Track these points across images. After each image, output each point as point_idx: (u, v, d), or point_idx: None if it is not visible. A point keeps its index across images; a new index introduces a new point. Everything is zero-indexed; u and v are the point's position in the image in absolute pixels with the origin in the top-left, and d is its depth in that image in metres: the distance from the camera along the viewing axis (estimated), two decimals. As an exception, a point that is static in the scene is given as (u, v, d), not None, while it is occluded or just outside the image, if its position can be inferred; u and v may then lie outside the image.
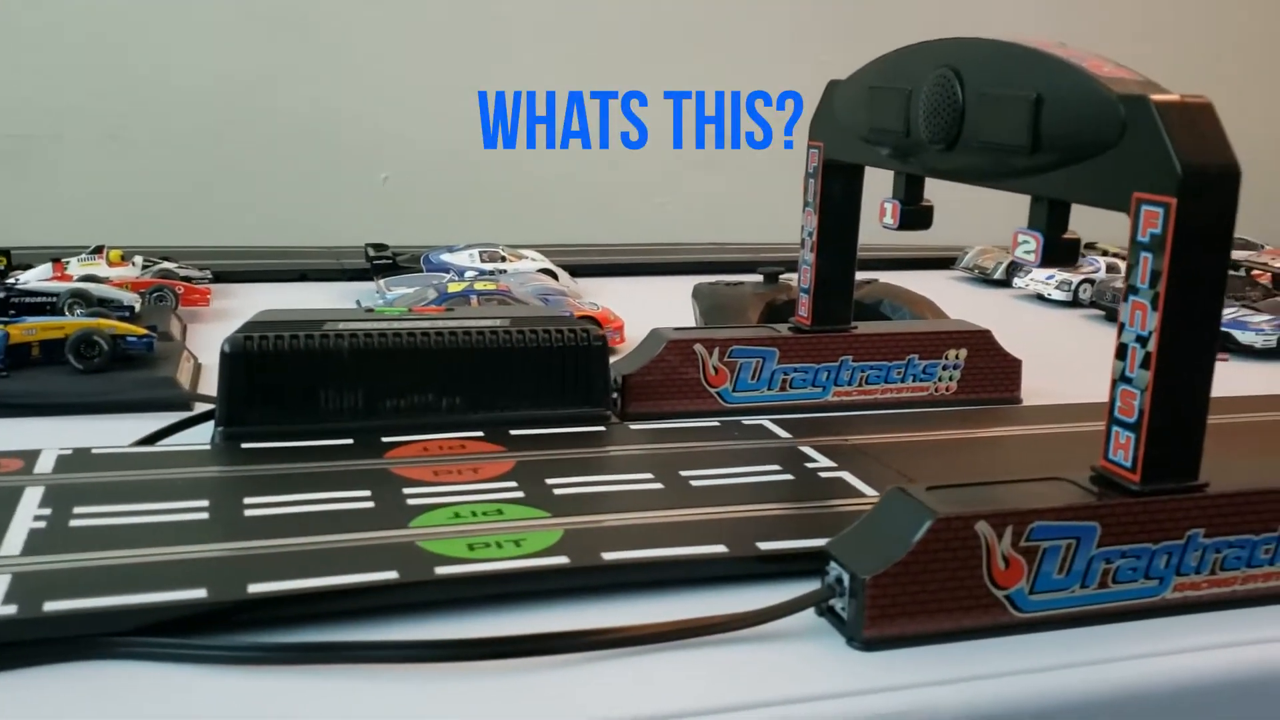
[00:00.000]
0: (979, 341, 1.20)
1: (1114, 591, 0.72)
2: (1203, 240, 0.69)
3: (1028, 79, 0.81)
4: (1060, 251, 0.81)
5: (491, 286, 1.33)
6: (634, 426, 1.03)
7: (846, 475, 0.92)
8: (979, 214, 2.42)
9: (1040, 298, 1.80)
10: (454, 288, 1.32)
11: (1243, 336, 1.47)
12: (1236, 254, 2.02)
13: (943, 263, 2.05)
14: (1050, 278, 1.79)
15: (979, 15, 2.39)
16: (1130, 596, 0.72)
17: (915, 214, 1.01)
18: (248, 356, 0.94)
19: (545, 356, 1.02)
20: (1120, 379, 0.73)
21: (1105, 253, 2.08)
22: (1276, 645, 0.73)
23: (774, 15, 2.41)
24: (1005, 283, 1.91)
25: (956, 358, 1.19)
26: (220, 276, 1.68)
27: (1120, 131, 0.72)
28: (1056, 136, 0.79)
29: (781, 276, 1.40)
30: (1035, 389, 1.26)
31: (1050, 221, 0.81)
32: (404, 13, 2.09)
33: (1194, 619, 0.74)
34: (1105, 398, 1.26)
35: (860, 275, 1.51)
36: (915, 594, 0.68)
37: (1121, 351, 0.73)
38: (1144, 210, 0.71)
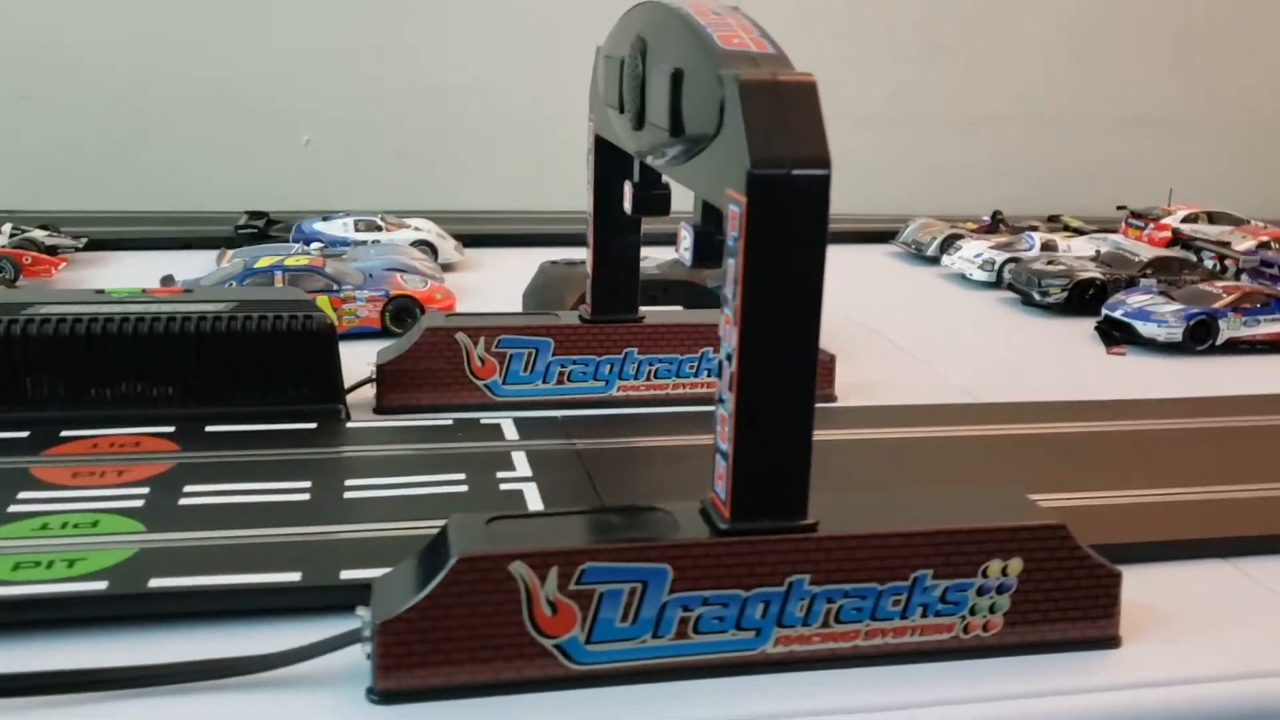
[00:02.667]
0: (785, 334, 1.10)
1: (697, 643, 0.63)
2: (782, 247, 0.59)
3: (676, 53, 0.71)
4: (715, 251, 0.71)
5: (304, 261, 1.27)
6: (350, 425, 0.96)
7: (529, 489, 0.83)
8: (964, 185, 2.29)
9: (963, 278, 1.66)
10: (263, 262, 1.26)
11: (1144, 329, 1.33)
12: (1209, 229, 1.86)
13: (888, 235, 1.92)
14: (978, 255, 1.66)
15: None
16: (720, 649, 0.63)
17: (648, 199, 0.91)
18: (-74, 343, 0.90)
19: (263, 346, 0.95)
20: (719, 401, 0.64)
21: (1068, 227, 1.93)
22: (906, 712, 0.63)
23: None
24: (939, 260, 1.78)
25: (759, 351, 1.09)
26: (102, 244, 1.66)
27: (720, 116, 0.63)
28: (688, 119, 0.69)
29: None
30: (879, 384, 1.16)
31: (703, 216, 0.71)
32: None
33: (805, 677, 0.64)
34: (963, 398, 1.17)
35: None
36: (439, 642, 0.60)
37: (720, 370, 0.64)
38: (730, 210, 0.61)
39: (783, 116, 0.59)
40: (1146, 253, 1.56)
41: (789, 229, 0.59)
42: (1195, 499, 0.88)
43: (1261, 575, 0.78)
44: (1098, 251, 1.62)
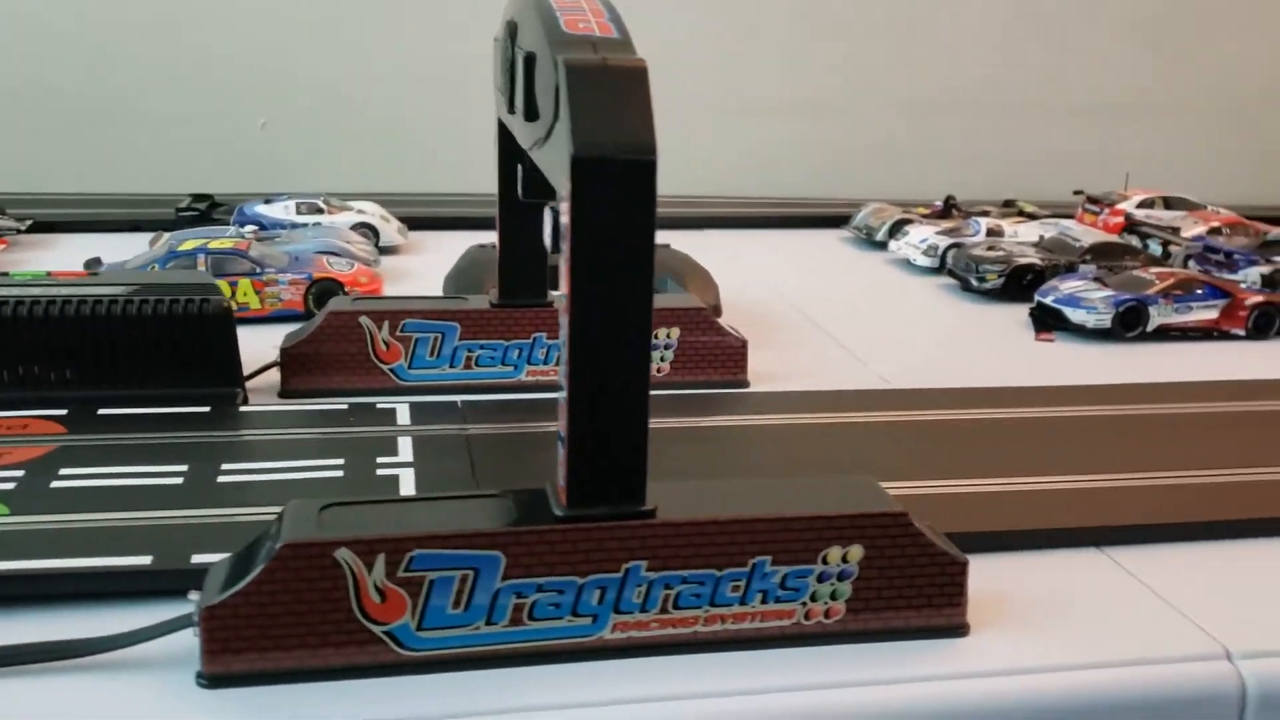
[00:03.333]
0: (694, 320, 1.10)
1: (533, 629, 0.63)
2: (608, 233, 0.59)
3: (533, 37, 0.71)
4: (573, 235, 0.71)
5: (228, 245, 1.27)
6: (243, 409, 0.96)
7: (406, 475, 0.83)
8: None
9: (909, 263, 1.66)
10: (187, 245, 1.26)
11: (1073, 315, 1.32)
12: (1163, 215, 1.85)
13: (845, 220, 1.91)
14: (923, 241, 1.65)
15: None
16: (556, 635, 0.63)
17: (535, 183, 0.90)
18: None
19: (159, 329, 0.95)
20: (561, 387, 0.64)
21: (1022, 212, 1.92)
22: (746, 698, 0.63)
23: None
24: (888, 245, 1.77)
25: (668, 337, 1.09)
26: (48, 226, 1.66)
27: (557, 102, 0.62)
28: (540, 104, 0.68)
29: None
30: (799, 369, 1.16)
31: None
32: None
33: (644, 663, 0.64)
34: (879, 384, 1.16)
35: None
36: (266, 628, 0.60)
37: (561, 356, 0.64)
38: (562, 196, 0.61)
39: (610, 102, 0.59)
40: (1089, 238, 1.55)
41: (614, 215, 0.59)
42: (1083, 486, 0.88)
43: (1134, 565, 0.78)
44: (1041, 237, 1.61)
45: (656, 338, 1.09)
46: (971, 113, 2.29)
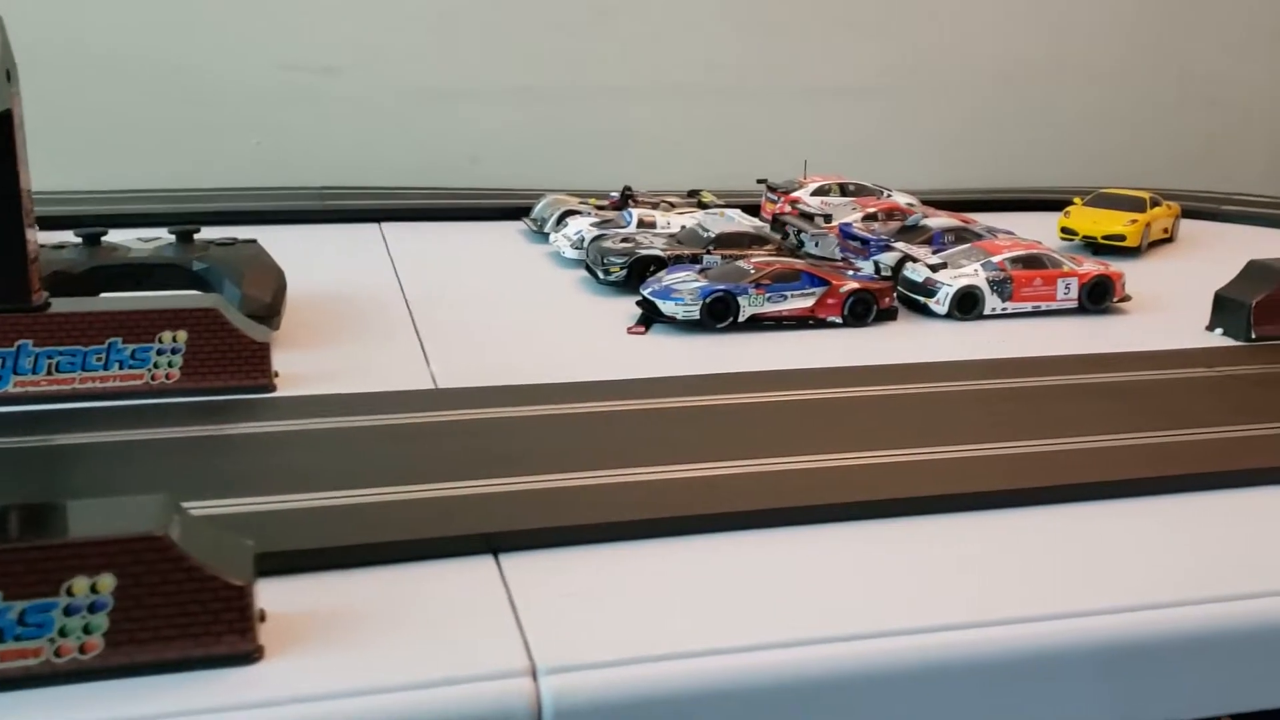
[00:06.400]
0: (204, 322, 1.04)
1: None
2: None
3: None
4: None
5: None
6: None
7: None
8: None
9: (561, 255, 1.62)
10: None
11: (664, 306, 1.29)
12: (836, 200, 1.85)
13: (521, 211, 1.87)
14: (577, 233, 1.62)
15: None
16: None
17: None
18: None
19: None
20: None
21: (703, 204, 1.90)
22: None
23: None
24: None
25: (175, 341, 1.03)
26: None
27: None
28: None
29: (104, 238, 1.23)
30: (349, 371, 1.11)
31: None
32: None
33: None
34: (427, 384, 1.11)
35: (241, 234, 1.34)
36: None
37: None
38: None
39: None
40: (719, 229, 1.53)
41: None
42: (496, 489, 0.84)
43: (518, 575, 0.73)
44: (682, 227, 1.59)
45: (161, 342, 1.03)
46: (701, 99, 2.28)
